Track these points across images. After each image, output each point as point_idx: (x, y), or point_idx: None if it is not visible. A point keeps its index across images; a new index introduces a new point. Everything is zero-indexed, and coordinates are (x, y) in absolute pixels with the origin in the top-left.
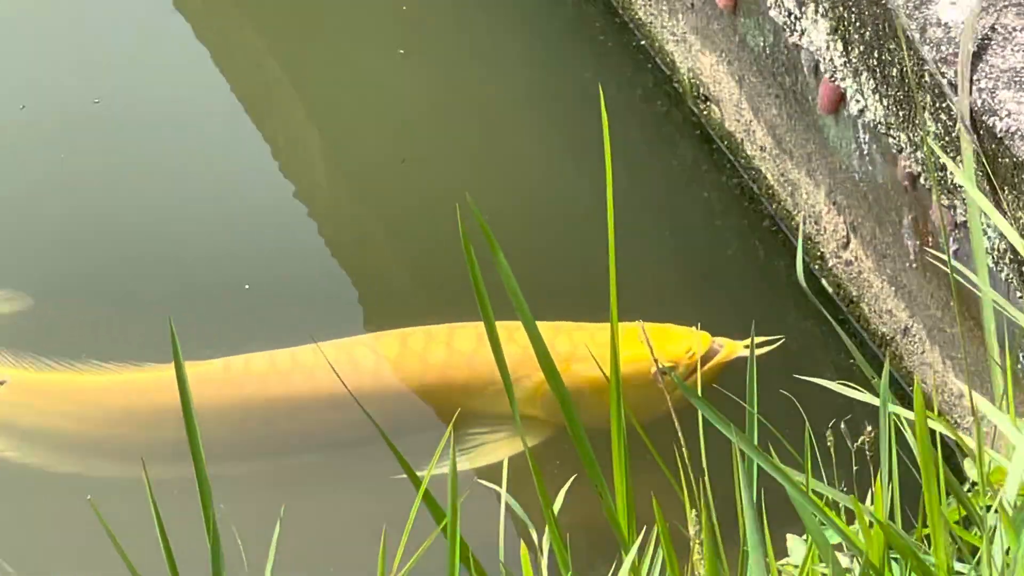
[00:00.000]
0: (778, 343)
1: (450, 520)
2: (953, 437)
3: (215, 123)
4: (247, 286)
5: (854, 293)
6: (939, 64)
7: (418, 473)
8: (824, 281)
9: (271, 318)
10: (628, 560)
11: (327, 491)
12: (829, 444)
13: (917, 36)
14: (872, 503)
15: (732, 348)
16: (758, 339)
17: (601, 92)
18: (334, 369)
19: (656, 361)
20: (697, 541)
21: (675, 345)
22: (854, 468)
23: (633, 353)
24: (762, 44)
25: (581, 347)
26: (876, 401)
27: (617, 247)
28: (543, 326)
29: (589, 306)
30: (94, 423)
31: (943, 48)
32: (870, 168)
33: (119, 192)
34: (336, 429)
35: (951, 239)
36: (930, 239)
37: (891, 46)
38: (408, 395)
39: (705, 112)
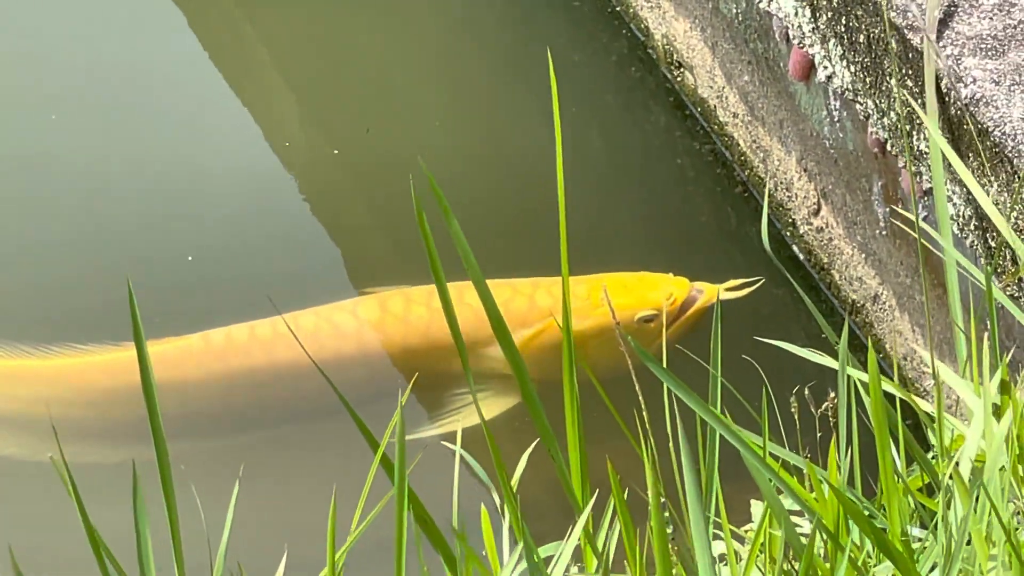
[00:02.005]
0: (757, 284)
1: (398, 478)
2: (907, 399)
3: (193, 90)
4: (190, 258)
5: (825, 260)
6: (906, 30)
7: (413, 436)
8: (795, 248)
9: (247, 286)
10: (579, 523)
11: (310, 459)
12: (793, 410)
13: (884, 2)
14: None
15: (712, 292)
16: (737, 281)
17: (549, 56)
18: (298, 341)
19: (615, 317)
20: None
21: (655, 292)
22: (818, 435)
23: (616, 303)
24: (735, 10)
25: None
26: (837, 365)
27: (591, 212)
28: (522, 282)
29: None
30: (77, 407)
31: (910, 14)
32: (840, 135)
33: (92, 161)
34: (320, 396)
35: (919, 206)
36: (899, 206)
37: (858, 12)
38: (392, 358)
39: (679, 78)
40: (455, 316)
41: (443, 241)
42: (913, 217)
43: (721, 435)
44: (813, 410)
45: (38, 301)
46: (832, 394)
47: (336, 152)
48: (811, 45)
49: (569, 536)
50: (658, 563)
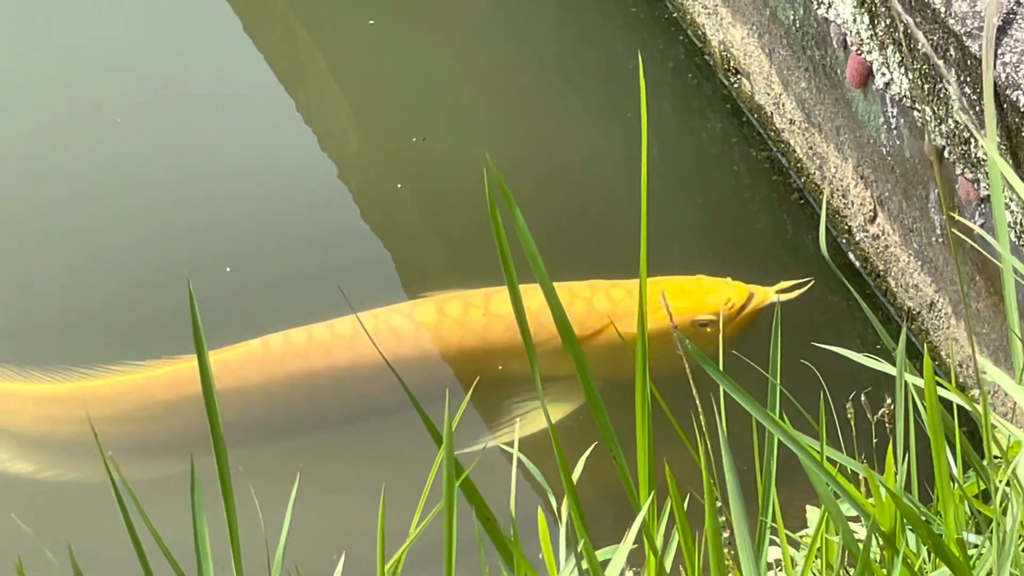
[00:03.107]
0: (809, 286)
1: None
2: (966, 405)
3: (248, 92)
4: (228, 269)
5: (881, 267)
6: (964, 37)
7: (472, 448)
8: (851, 255)
9: (303, 290)
10: (637, 521)
11: (368, 459)
12: (849, 416)
13: (943, 9)
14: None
15: (764, 294)
16: (789, 282)
17: (640, 63)
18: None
19: (672, 319)
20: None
21: (714, 296)
22: (874, 442)
23: (673, 306)
24: (792, 17)
25: (620, 304)
26: (893, 371)
27: (648, 218)
28: (580, 285)
29: (622, 272)
30: (140, 423)
31: (968, 22)
32: (897, 142)
33: (146, 167)
34: (377, 397)
35: (976, 213)
36: (956, 213)
37: (917, 19)
38: (448, 361)
39: (735, 85)
40: (524, 315)
41: (492, 245)
42: (970, 224)
43: (778, 440)
44: (869, 416)
45: (93, 315)
46: (888, 400)
47: (390, 156)
48: (869, 52)
49: (628, 534)
50: (712, 566)
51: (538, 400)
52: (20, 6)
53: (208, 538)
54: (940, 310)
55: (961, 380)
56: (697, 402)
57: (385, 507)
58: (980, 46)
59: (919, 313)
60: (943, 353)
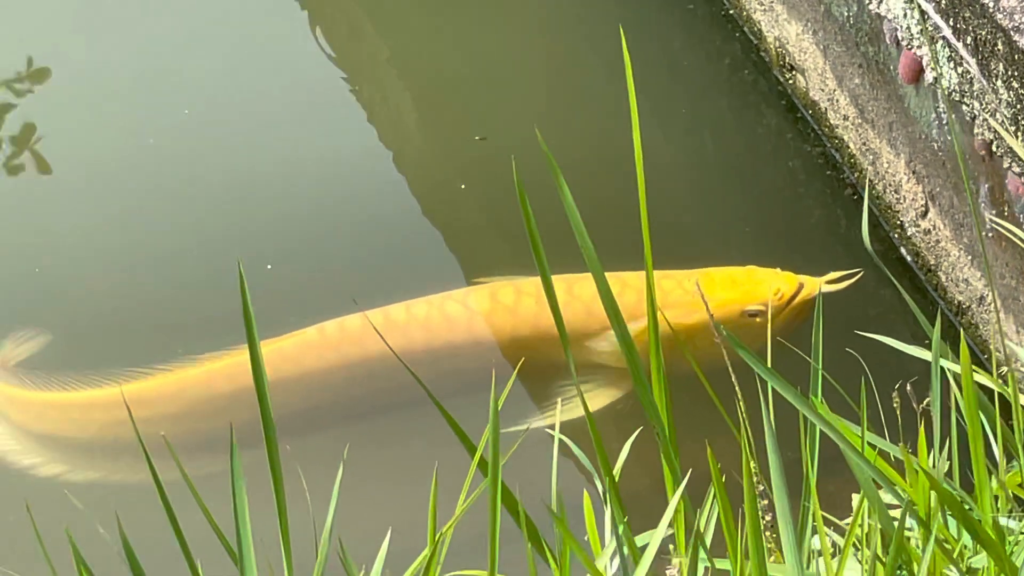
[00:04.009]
0: (857, 277)
1: (491, 468)
2: (997, 388)
3: (313, 87)
4: (269, 266)
5: (932, 262)
6: (1012, 32)
7: (515, 428)
8: (903, 249)
9: (362, 278)
10: (675, 499)
11: (412, 447)
12: (895, 405)
13: (991, 4)
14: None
15: (813, 285)
16: (837, 273)
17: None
18: (382, 335)
19: (708, 309)
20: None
21: (763, 287)
22: (919, 429)
23: (723, 297)
24: (846, 14)
25: (671, 294)
26: (930, 357)
27: (703, 212)
28: (631, 275)
29: (677, 265)
30: (203, 418)
31: (1016, 17)
32: (948, 137)
33: (206, 159)
34: (431, 384)
35: None
36: (1006, 208)
37: (966, 14)
38: (500, 348)
39: (791, 81)
40: (558, 305)
41: (553, 236)
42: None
43: (823, 430)
44: (915, 406)
45: (155, 313)
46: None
47: (451, 151)
48: (919, 46)
49: (667, 514)
50: (751, 543)
51: (588, 384)
52: (87, 4)
53: (248, 510)
54: (989, 304)
55: (1009, 375)
56: (736, 388)
57: (437, 484)
58: None
59: (969, 307)
60: (993, 347)
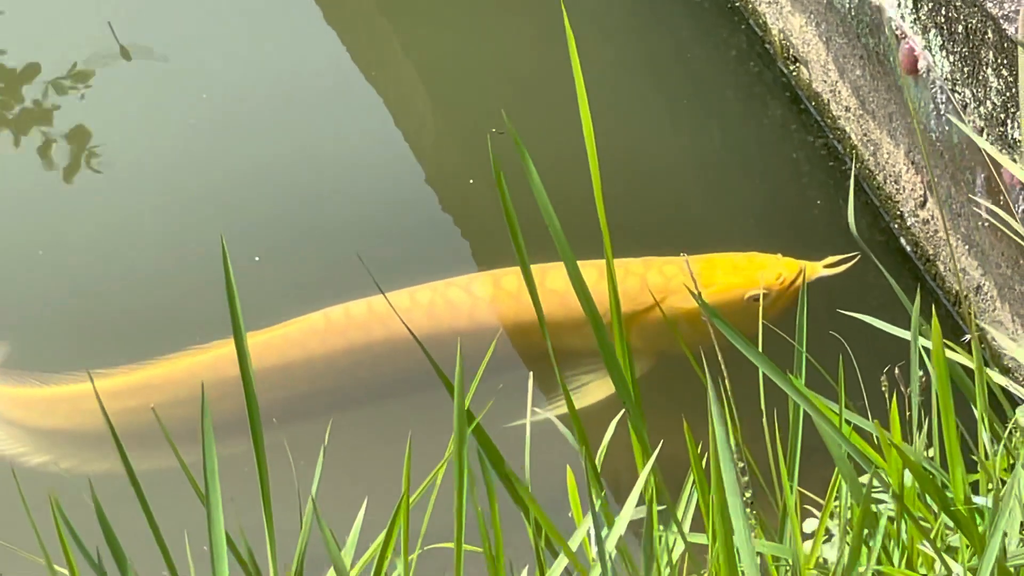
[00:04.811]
0: (854, 261)
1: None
2: (973, 367)
3: (327, 79)
4: (257, 258)
5: (930, 251)
6: (1001, 20)
7: (521, 422)
8: (903, 240)
9: (373, 267)
10: (644, 472)
11: (424, 432)
12: (883, 389)
13: None
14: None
15: (813, 268)
16: (835, 257)
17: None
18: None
19: (698, 295)
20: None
21: (767, 272)
22: (908, 414)
23: (726, 282)
24: (847, 5)
25: (674, 280)
26: (920, 341)
27: (708, 202)
28: (634, 262)
29: (680, 249)
30: (190, 406)
31: (1006, 5)
32: (946, 128)
33: (220, 147)
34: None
35: (1020, 198)
36: (1001, 198)
37: (957, 3)
38: (503, 334)
39: (794, 73)
40: (537, 293)
41: (575, 228)
42: (1013, 208)
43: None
44: (903, 389)
45: (171, 302)
46: (920, 373)
47: (465, 142)
48: (913, 35)
49: (638, 485)
50: (717, 522)
51: (592, 373)
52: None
53: (217, 469)
54: (986, 293)
55: (1005, 363)
56: (723, 368)
57: (411, 448)
58: (1016, 29)
59: (966, 296)
60: (989, 336)
